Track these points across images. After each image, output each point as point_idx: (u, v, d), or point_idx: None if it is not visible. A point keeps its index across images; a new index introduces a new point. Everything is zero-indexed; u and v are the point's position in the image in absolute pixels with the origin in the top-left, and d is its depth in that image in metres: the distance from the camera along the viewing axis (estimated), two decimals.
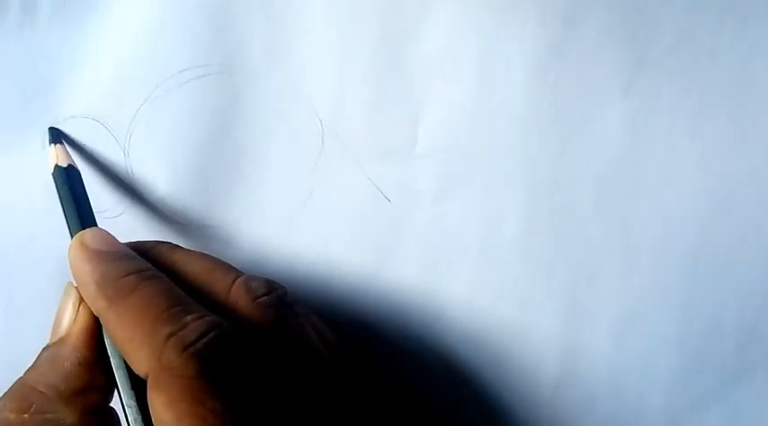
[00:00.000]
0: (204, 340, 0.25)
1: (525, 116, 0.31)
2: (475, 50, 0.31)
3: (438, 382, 0.33)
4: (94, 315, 0.27)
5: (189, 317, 0.25)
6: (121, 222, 0.33)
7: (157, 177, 0.33)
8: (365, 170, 0.32)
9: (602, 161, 0.32)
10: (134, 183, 0.33)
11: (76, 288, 0.28)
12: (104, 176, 0.33)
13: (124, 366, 0.27)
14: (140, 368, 0.25)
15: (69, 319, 0.28)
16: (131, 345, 0.25)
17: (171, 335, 0.25)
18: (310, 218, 0.33)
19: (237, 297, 0.28)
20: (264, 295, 0.28)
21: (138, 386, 0.26)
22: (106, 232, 0.29)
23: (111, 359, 0.27)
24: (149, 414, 0.25)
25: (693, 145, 0.31)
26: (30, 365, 0.28)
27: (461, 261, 0.32)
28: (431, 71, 0.31)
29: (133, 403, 0.26)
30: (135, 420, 0.26)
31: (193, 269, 0.29)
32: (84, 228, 0.29)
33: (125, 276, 0.27)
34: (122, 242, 0.29)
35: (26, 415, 0.27)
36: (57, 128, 0.32)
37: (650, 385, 0.33)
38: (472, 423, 0.33)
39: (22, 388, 0.27)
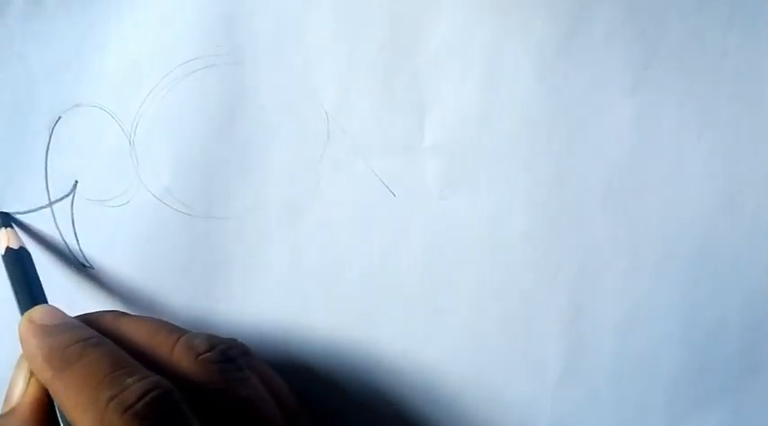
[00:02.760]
0: (145, 399, 0.25)
1: (532, 113, 0.31)
2: (483, 45, 0.31)
3: (441, 376, 0.33)
4: (43, 387, 0.28)
5: (130, 379, 0.26)
6: (127, 211, 0.33)
7: (163, 167, 0.33)
8: (371, 164, 0.32)
9: (608, 159, 0.31)
10: (139, 173, 0.33)
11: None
12: (110, 165, 0.33)
13: None
14: None
15: (20, 391, 0.28)
16: (76, 412, 0.26)
17: (112, 398, 0.25)
18: (315, 211, 0.33)
19: (180, 356, 0.28)
20: (207, 351, 0.28)
21: None
22: (55, 308, 0.30)
23: None
24: None
25: (700, 144, 0.31)
26: None
27: (466, 257, 0.32)
28: (438, 66, 0.31)
29: None
30: None
31: (138, 333, 0.29)
32: (34, 302, 0.30)
33: (70, 345, 0.27)
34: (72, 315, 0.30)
35: None
36: (5, 213, 0.33)
37: (653, 384, 0.33)
38: (475, 419, 0.34)
39: None
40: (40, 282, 0.31)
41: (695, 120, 0.31)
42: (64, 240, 0.33)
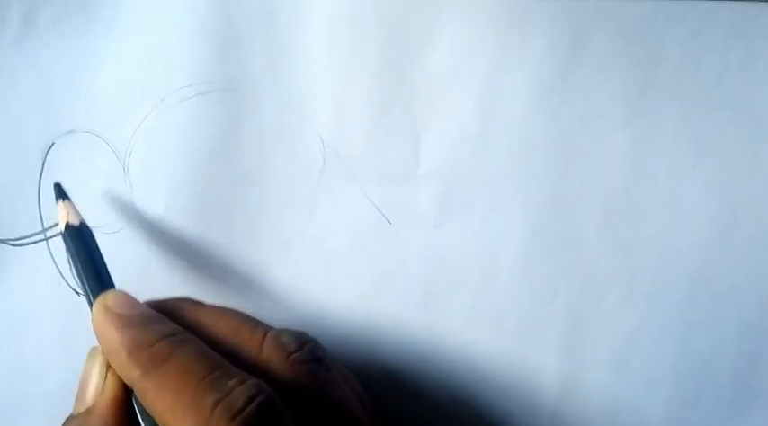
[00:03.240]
0: (252, 406, 0.24)
1: (528, 140, 0.31)
2: (479, 72, 0.31)
3: (437, 406, 0.33)
4: (123, 384, 0.26)
5: (232, 382, 0.24)
6: (120, 238, 0.33)
7: (157, 194, 0.32)
8: (366, 191, 0.32)
9: (604, 186, 0.31)
10: (133, 200, 0.33)
11: (101, 353, 0.27)
12: (104, 191, 0.33)
13: None
14: None
15: (96, 388, 0.27)
16: (173, 415, 0.24)
17: (217, 403, 0.24)
18: (310, 238, 0.32)
19: (270, 354, 0.27)
20: (296, 350, 0.27)
21: None
22: (127, 293, 0.28)
23: None
24: None
25: (695, 172, 0.31)
26: None
27: (462, 283, 0.32)
28: (434, 92, 0.31)
29: None
30: None
31: (220, 326, 0.28)
32: (102, 285, 0.28)
33: (157, 342, 0.26)
34: (143, 301, 0.29)
35: None
36: (59, 184, 0.31)
37: (648, 412, 0.33)
38: None
39: None
40: (105, 263, 0.29)
41: (690, 148, 0.31)
42: (57, 267, 0.33)
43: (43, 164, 0.32)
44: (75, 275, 0.29)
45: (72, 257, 0.30)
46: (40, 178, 0.32)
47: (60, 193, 0.31)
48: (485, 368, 0.33)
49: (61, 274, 0.33)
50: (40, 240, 0.33)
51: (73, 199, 0.32)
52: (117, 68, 0.32)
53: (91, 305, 0.28)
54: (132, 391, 0.26)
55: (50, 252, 0.33)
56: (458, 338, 0.33)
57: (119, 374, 0.26)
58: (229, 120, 0.32)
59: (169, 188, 0.32)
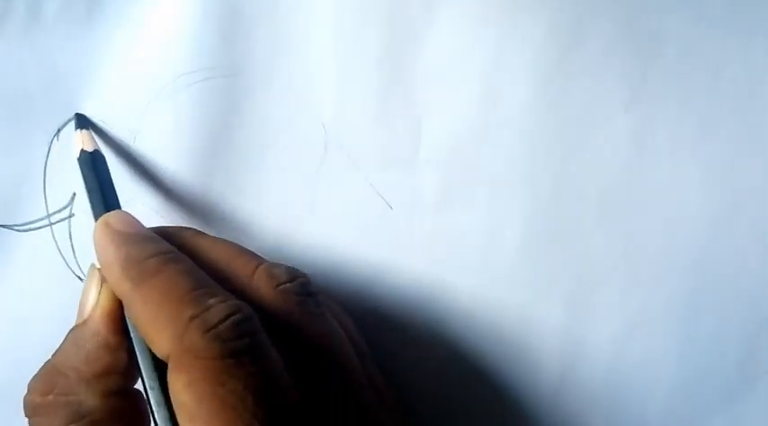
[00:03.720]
0: (227, 322, 0.24)
1: (529, 126, 0.31)
2: (480, 60, 0.31)
3: (438, 390, 0.33)
4: (117, 298, 0.27)
5: (212, 300, 0.25)
6: None
7: (161, 180, 0.33)
8: (368, 177, 0.32)
9: (605, 173, 0.31)
10: (137, 186, 0.33)
11: (100, 269, 0.28)
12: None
13: (146, 348, 0.26)
14: (162, 350, 0.25)
15: (92, 302, 0.28)
16: (154, 327, 0.25)
17: (194, 317, 0.24)
18: (312, 225, 0.33)
19: (259, 283, 0.27)
20: (286, 282, 0.28)
21: (161, 368, 0.26)
22: (130, 215, 0.29)
23: (134, 342, 0.27)
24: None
25: (697, 158, 0.31)
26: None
27: (463, 269, 0.32)
28: (435, 79, 0.31)
29: (156, 384, 0.26)
30: (158, 402, 0.25)
31: (216, 254, 0.28)
32: (107, 207, 0.29)
33: (149, 257, 0.26)
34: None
35: (50, 397, 0.27)
36: (83, 115, 0.32)
37: (650, 396, 0.33)
38: None
39: (48, 370, 0.28)
40: (114, 188, 0.30)
41: (691, 136, 0.31)
42: (61, 254, 0.33)
43: (49, 150, 0.33)
44: (88, 200, 0.30)
45: (84, 181, 0.30)
46: (46, 164, 0.33)
47: (81, 123, 0.32)
48: (485, 356, 0.33)
49: (65, 260, 0.33)
50: (45, 225, 0.33)
51: (78, 184, 0.33)
52: (121, 56, 0.32)
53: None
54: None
55: (54, 238, 0.33)
56: (458, 325, 0.33)
57: (113, 288, 0.27)
58: (232, 108, 0.32)
59: (172, 175, 0.33)
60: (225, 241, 0.30)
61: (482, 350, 0.33)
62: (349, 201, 0.32)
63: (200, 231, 0.30)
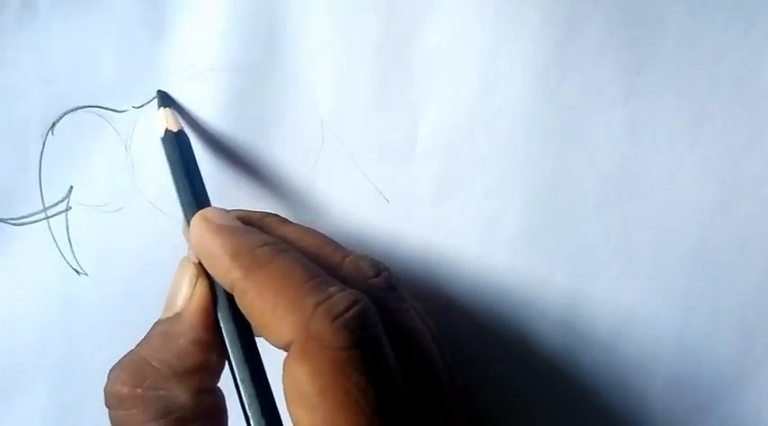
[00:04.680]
0: (352, 311, 0.24)
1: (526, 118, 0.31)
2: (477, 51, 0.31)
3: None
4: (211, 294, 0.27)
5: (333, 289, 0.25)
6: (121, 216, 0.33)
7: (159, 173, 0.33)
8: (364, 170, 0.32)
9: (602, 164, 0.31)
10: (135, 178, 0.33)
11: (196, 263, 0.28)
12: (105, 170, 0.33)
13: (239, 342, 0.26)
14: (282, 337, 0.24)
15: (184, 295, 0.27)
16: (273, 314, 0.25)
17: (318, 304, 0.24)
18: (309, 217, 0.33)
19: (348, 275, 0.27)
20: (374, 276, 0.27)
21: (252, 361, 0.26)
22: (226, 210, 0.29)
23: (225, 336, 0.27)
24: (267, 389, 0.26)
25: (694, 149, 0.31)
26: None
27: (460, 262, 0.32)
28: (432, 71, 0.31)
29: (247, 377, 0.26)
30: (250, 395, 0.26)
31: (304, 244, 0.28)
32: (196, 198, 0.29)
33: (259, 247, 0.26)
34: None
35: (139, 390, 0.26)
36: (165, 92, 0.32)
37: (648, 387, 0.33)
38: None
39: (136, 361, 0.27)
40: (199, 172, 0.30)
41: (689, 126, 0.31)
42: (58, 247, 0.33)
43: (44, 143, 0.33)
44: (173, 182, 0.30)
45: (169, 164, 0.30)
46: (41, 157, 0.33)
47: (164, 100, 0.31)
48: (482, 347, 0.33)
49: (61, 253, 0.33)
50: (41, 219, 0.33)
51: (74, 177, 0.33)
52: (118, 50, 0.32)
53: (185, 212, 0.29)
54: (216, 302, 0.27)
55: (51, 232, 0.33)
56: (455, 317, 0.33)
57: (218, 278, 0.27)
58: (228, 100, 0.32)
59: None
60: (309, 229, 0.30)
61: (480, 340, 0.33)
62: (346, 195, 0.32)
63: (283, 218, 0.30)
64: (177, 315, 0.27)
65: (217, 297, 0.27)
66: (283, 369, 0.24)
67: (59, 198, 0.33)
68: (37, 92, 0.32)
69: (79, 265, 0.33)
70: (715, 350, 0.32)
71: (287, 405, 0.24)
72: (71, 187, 0.33)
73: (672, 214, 0.32)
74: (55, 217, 0.33)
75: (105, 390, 0.27)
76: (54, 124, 0.32)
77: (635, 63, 0.31)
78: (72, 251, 0.33)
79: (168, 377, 0.26)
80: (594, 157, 0.31)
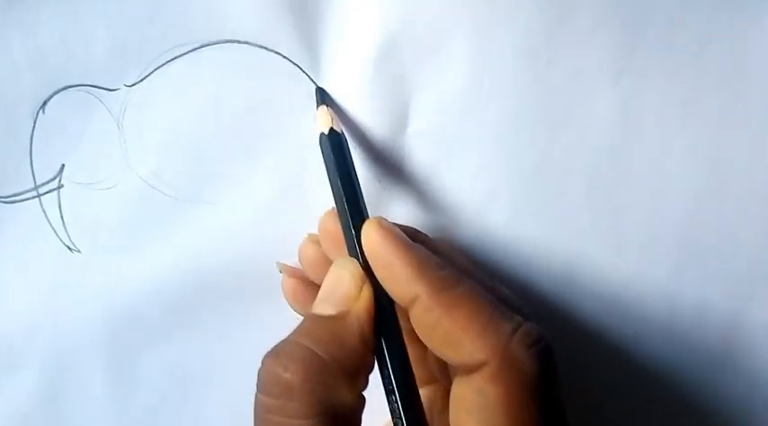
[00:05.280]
0: (543, 343, 0.26)
1: (516, 99, 0.31)
2: (467, 32, 0.31)
3: None
4: (375, 297, 0.27)
5: (519, 318, 0.26)
6: (114, 194, 0.33)
7: (151, 151, 0.33)
8: (356, 151, 0.32)
9: (592, 146, 0.32)
10: (128, 156, 0.33)
11: (363, 265, 0.28)
12: (97, 149, 0.33)
13: (401, 351, 0.27)
14: (476, 356, 0.25)
15: (350, 295, 0.27)
16: (465, 333, 0.25)
17: (515, 331, 0.25)
18: (301, 196, 0.33)
19: (505, 301, 0.27)
20: (520, 307, 0.28)
21: (405, 373, 0.27)
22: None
23: (385, 346, 0.27)
24: (419, 398, 0.26)
25: (684, 132, 0.31)
26: None
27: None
28: (423, 53, 0.31)
29: (403, 383, 0.26)
30: (407, 401, 0.26)
31: (460, 263, 0.29)
32: (358, 206, 0.29)
33: (443, 269, 0.27)
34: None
35: (309, 383, 0.25)
36: (324, 89, 0.32)
37: (635, 373, 0.33)
38: None
39: (305, 353, 0.26)
40: (358, 178, 0.29)
41: (678, 108, 0.31)
42: (50, 224, 0.33)
43: (35, 122, 0.32)
44: (330, 182, 0.29)
45: (328, 165, 0.30)
46: (32, 136, 0.33)
47: (323, 98, 0.31)
48: None
49: (54, 230, 0.33)
50: (32, 197, 0.33)
51: (66, 156, 0.33)
52: (110, 29, 0.32)
53: (345, 212, 0.28)
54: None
55: (43, 209, 0.33)
56: None
57: (393, 287, 0.27)
58: (221, 79, 0.32)
59: (162, 145, 0.33)
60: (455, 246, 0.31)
61: None
62: None
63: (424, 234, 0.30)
64: (345, 313, 0.27)
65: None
66: (461, 385, 0.26)
67: (51, 176, 0.33)
68: (27, 70, 0.32)
69: (72, 242, 0.33)
70: (703, 334, 0.33)
71: (456, 419, 0.25)
72: (62, 165, 0.33)
73: (661, 196, 0.32)
74: (46, 195, 0.33)
75: (266, 376, 0.26)
76: (45, 103, 0.32)
77: (624, 46, 0.31)
78: (65, 228, 0.33)
79: (339, 376, 0.26)
80: (584, 140, 0.32)
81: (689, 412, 0.34)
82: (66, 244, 0.33)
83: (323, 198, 0.32)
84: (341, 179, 0.29)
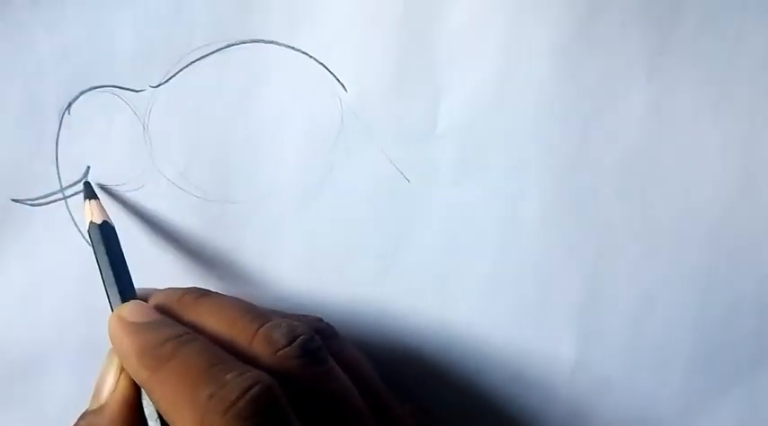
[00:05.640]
0: (246, 397, 0.24)
1: (547, 98, 0.31)
2: (498, 31, 0.31)
3: (455, 362, 0.34)
4: (134, 385, 0.27)
5: (229, 376, 0.25)
6: (141, 195, 0.33)
7: (177, 151, 0.32)
8: (384, 149, 0.32)
9: (624, 144, 0.31)
10: (154, 157, 0.33)
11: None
12: (123, 150, 0.33)
13: None
14: None
15: (109, 387, 0.28)
16: (174, 410, 0.25)
17: (212, 396, 0.24)
18: (329, 197, 0.33)
19: (259, 349, 0.27)
20: (286, 346, 0.27)
21: None
22: (144, 304, 0.29)
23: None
24: None
25: (716, 129, 0.31)
26: None
27: (480, 243, 0.32)
28: (453, 51, 0.31)
29: None
30: None
31: (218, 319, 0.28)
32: (120, 291, 0.30)
33: (164, 343, 0.26)
34: (151, 288, 0.30)
35: None
36: (89, 182, 0.33)
37: (667, 369, 0.33)
38: (489, 405, 0.34)
39: None
40: (125, 263, 0.30)
41: (710, 106, 0.31)
42: (76, 225, 0.33)
43: (60, 123, 0.32)
44: (100, 273, 0.30)
45: (95, 255, 0.31)
46: (57, 138, 0.32)
47: (88, 193, 0.32)
48: (503, 328, 0.33)
49: (81, 232, 0.33)
50: (59, 199, 0.33)
51: (92, 157, 0.33)
52: (135, 28, 0.32)
53: (111, 306, 0.30)
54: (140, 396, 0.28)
55: (69, 211, 0.33)
56: (475, 297, 0.33)
57: (132, 377, 0.27)
58: (248, 78, 0.32)
59: (189, 146, 0.32)
60: (228, 300, 0.30)
61: (500, 322, 0.33)
62: (365, 174, 0.32)
63: (204, 291, 0.30)
64: (102, 407, 0.28)
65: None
66: None
67: (77, 178, 0.33)
68: (53, 71, 0.32)
69: None
70: (734, 332, 0.33)
71: None
72: (88, 167, 0.33)
73: (692, 194, 0.32)
74: (73, 197, 0.33)
75: None
76: (70, 104, 0.32)
77: (657, 42, 0.31)
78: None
79: None
80: (615, 138, 0.31)
81: (716, 410, 0.34)
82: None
83: (350, 197, 0.32)
84: (104, 267, 0.30)
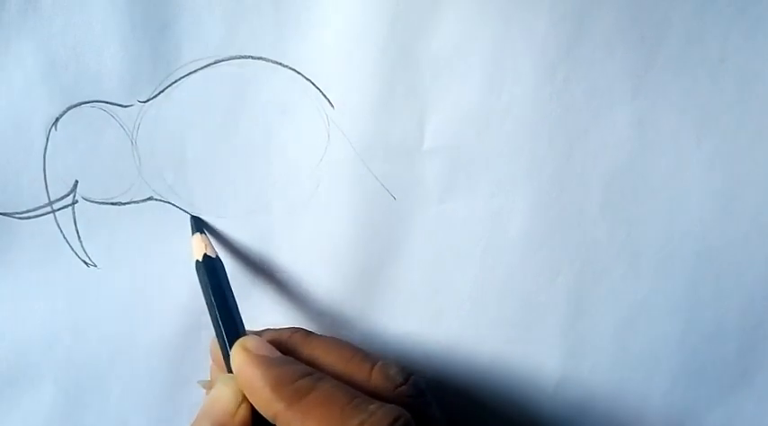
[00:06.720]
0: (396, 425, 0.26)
1: (533, 115, 0.31)
2: (484, 48, 0.31)
3: (439, 379, 0.34)
4: (254, 415, 0.28)
5: (372, 407, 0.26)
6: (129, 210, 0.33)
7: (165, 167, 0.33)
8: (371, 166, 0.32)
9: (608, 161, 0.32)
10: (142, 172, 0.33)
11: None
12: (111, 165, 0.33)
13: None
14: None
15: (226, 410, 0.28)
16: None
17: (362, 424, 0.25)
18: (315, 214, 0.33)
19: (378, 385, 0.28)
20: (402, 384, 0.29)
21: None
22: (261, 338, 0.30)
23: None
24: None
25: (700, 147, 0.31)
26: None
27: (466, 259, 0.33)
28: (439, 68, 0.31)
29: None
30: None
31: (333, 357, 0.29)
32: (234, 326, 0.30)
33: (299, 379, 0.27)
34: (259, 329, 0.31)
35: None
36: (197, 217, 0.33)
37: (651, 385, 0.33)
38: (473, 420, 0.34)
39: None
40: (234, 297, 0.31)
41: (695, 124, 0.31)
42: (66, 239, 0.33)
43: (47, 139, 0.32)
44: (207, 307, 0.31)
45: (204, 290, 0.31)
46: (45, 153, 0.33)
47: (198, 226, 0.33)
48: (488, 343, 0.33)
49: (70, 246, 0.33)
50: (47, 213, 0.33)
51: (80, 172, 0.33)
52: (122, 43, 0.31)
53: (222, 337, 0.30)
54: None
55: (58, 225, 0.33)
56: (461, 313, 0.33)
57: (258, 407, 0.28)
58: (235, 95, 0.32)
59: (177, 161, 0.33)
60: (333, 340, 0.31)
61: (486, 338, 0.33)
62: (352, 192, 0.32)
63: (308, 332, 0.31)
64: None
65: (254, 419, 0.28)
66: None
67: (65, 192, 0.33)
68: (40, 84, 0.32)
69: (88, 257, 0.33)
70: (718, 348, 0.33)
71: None
72: (76, 181, 0.33)
73: (677, 212, 0.32)
74: (61, 211, 0.33)
75: None
76: (57, 119, 0.32)
77: (641, 62, 0.31)
78: (81, 243, 0.33)
79: None
80: (600, 156, 0.32)
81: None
82: (83, 258, 0.33)
83: (337, 213, 0.32)
84: (215, 302, 0.30)
